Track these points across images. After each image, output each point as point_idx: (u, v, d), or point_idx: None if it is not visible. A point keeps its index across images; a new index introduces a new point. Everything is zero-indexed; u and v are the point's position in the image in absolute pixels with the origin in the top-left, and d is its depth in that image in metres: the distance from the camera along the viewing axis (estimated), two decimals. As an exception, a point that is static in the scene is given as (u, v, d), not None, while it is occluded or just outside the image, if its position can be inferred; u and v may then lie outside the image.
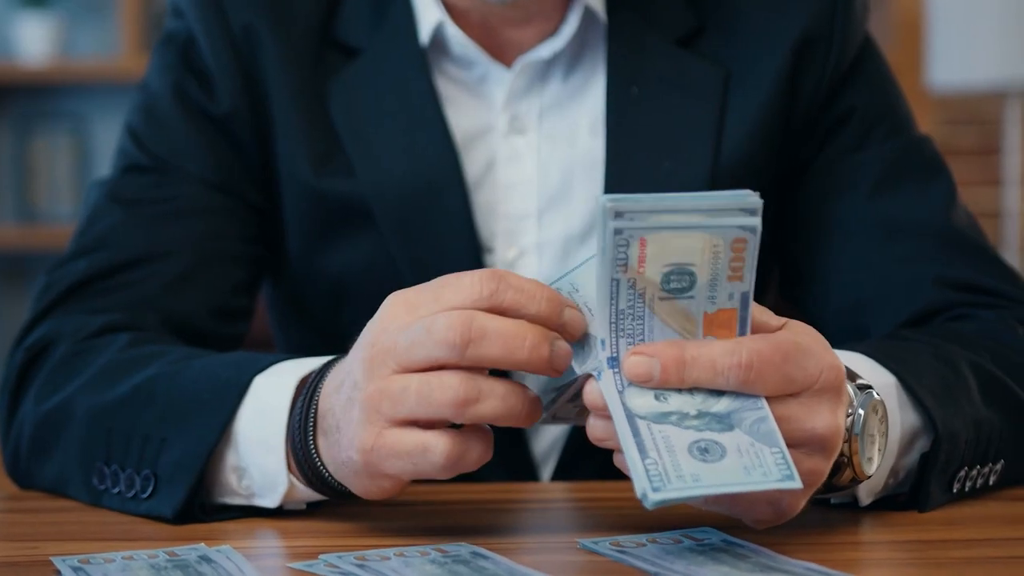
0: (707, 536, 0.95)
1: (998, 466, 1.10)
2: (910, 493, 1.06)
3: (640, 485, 0.86)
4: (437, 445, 0.92)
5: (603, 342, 0.90)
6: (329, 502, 1.04)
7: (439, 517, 1.04)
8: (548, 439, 1.33)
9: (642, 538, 0.95)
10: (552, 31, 1.31)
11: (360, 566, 0.90)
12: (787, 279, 1.37)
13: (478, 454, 0.93)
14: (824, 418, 0.91)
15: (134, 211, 1.30)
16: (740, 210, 0.88)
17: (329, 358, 1.03)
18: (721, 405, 0.89)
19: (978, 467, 1.08)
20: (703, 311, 0.90)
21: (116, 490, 1.07)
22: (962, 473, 1.06)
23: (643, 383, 0.89)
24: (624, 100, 1.30)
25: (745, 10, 1.32)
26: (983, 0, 3.71)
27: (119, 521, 1.05)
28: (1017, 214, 3.93)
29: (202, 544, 0.95)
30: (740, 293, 0.90)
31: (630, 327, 0.89)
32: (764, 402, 0.89)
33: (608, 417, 0.89)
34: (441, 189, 1.29)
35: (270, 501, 1.04)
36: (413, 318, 0.92)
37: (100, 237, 1.29)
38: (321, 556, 0.92)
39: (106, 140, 4.18)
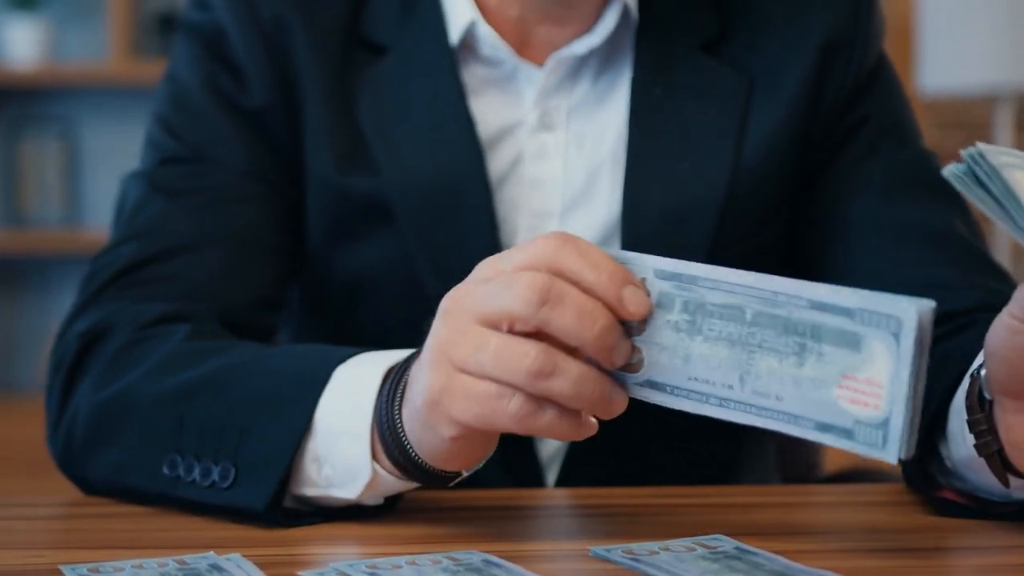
0: (720, 544, 0.95)
1: None
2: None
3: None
4: (514, 394, 0.92)
5: None
6: (344, 509, 1.03)
7: (449, 524, 1.03)
8: (554, 443, 1.33)
9: (655, 546, 0.95)
10: (584, 31, 1.32)
11: (371, 574, 0.89)
12: (798, 276, 1.36)
13: (551, 418, 0.92)
14: None
15: (176, 200, 1.29)
16: None
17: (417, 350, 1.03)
18: None
19: None
20: None
21: (190, 479, 1.06)
22: None
23: None
24: (648, 101, 1.31)
25: (768, 17, 1.33)
26: (974, 4, 3.72)
27: (127, 529, 1.05)
28: (1007, 218, 3.94)
29: (211, 552, 0.95)
30: None
31: None
32: None
33: None
34: (465, 188, 1.29)
35: (349, 492, 1.03)
36: (494, 274, 0.94)
37: (144, 225, 1.28)
38: (332, 564, 0.91)
39: (95, 144, 4.17)
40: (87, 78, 4.05)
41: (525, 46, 1.32)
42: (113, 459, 1.12)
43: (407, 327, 1.31)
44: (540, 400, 0.92)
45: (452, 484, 1.03)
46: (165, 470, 1.08)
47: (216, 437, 1.06)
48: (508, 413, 0.92)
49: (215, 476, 1.05)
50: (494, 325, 0.93)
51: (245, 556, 0.93)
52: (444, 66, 1.31)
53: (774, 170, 1.31)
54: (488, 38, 1.31)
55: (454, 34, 1.31)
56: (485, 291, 0.94)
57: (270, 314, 1.31)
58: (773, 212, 1.34)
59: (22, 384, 4.24)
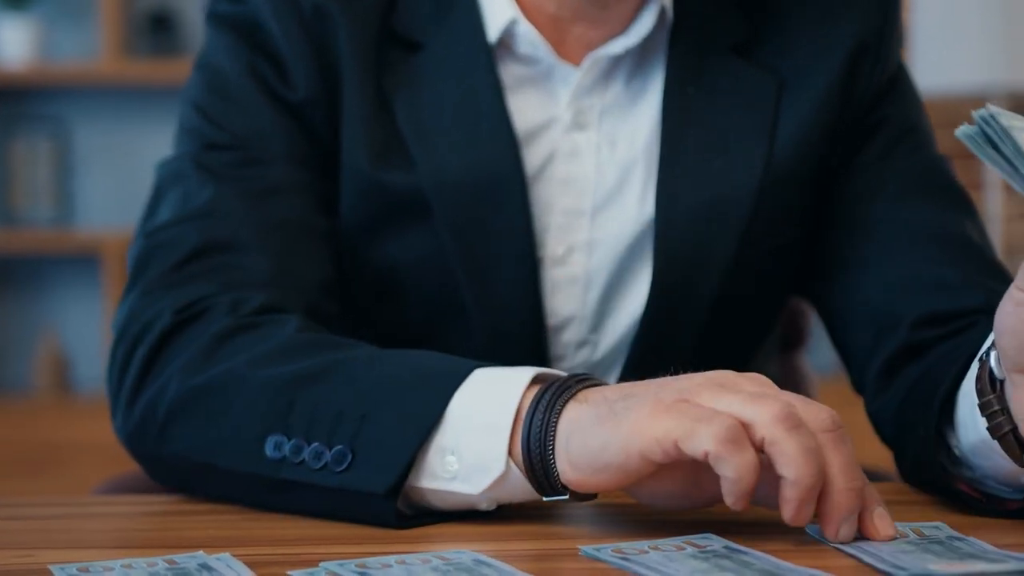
0: (710, 542, 0.95)
1: None
2: None
3: None
4: (729, 420, 0.92)
5: None
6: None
7: (439, 523, 1.03)
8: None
9: (644, 545, 0.95)
10: (620, 31, 1.32)
11: (361, 574, 0.89)
12: (812, 271, 1.38)
13: (752, 459, 0.92)
14: None
15: (229, 185, 1.27)
16: None
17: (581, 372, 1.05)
18: None
19: None
20: None
21: (298, 460, 1.05)
22: None
23: None
24: (681, 101, 1.32)
25: (798, 21, 1.35)
26: (966, 5, 3.72)
27: (117, 528, 1.05)
28: (999, 218, 3.94)
29: (201, 552, 0.95)
30: None
31: None
32: None
33: None
34: (501, 184, 1.29)
35: (472, 486, 1.02)
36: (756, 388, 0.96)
37: (204, 208, 1.26)
38: (322, 564, 0.91)
39: (86, 144, 4.17)
40: (79, 78, 4.05)
41: (561, 45, 1.32)
42: (205, 438, 1.10)
43: (437, 322, 1.32)
44: (746, 445, 0.92)
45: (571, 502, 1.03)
46: (268, 451, 1.07)
47: (332, 422, 1.05)
48: (718, 429, 0.91)
49: (328, 459, 1.04)
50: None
51: (235, 555, 0.93)
52: (481, 63, 1.31)
53: (804, 170, 1.33)
54: (528, 36, 1.31)
55: (492, 32, 1.31)
56: (739, 400, 0.94)
57: (335, 301, 1.29)
58: (800, 212, 1.35)
59: (13, 384, 4.23)
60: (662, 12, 1.32)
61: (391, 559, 0.92)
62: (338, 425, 1.05)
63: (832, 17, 1.35)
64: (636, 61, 1.34)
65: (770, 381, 0.98)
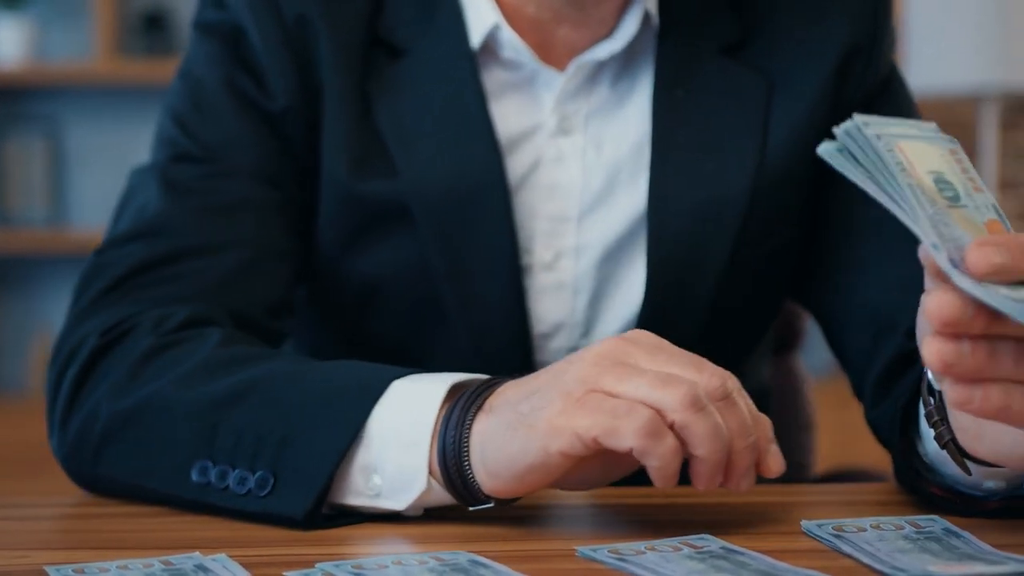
0: (707, 543, 0.95)
1: None
2: None
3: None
4: (645, 410, 0.94)
5: (935, 246, 0.85)
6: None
7: (435, 524, 1.03)
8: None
9: (641, 546, 0.95)
10: (603, 34, 1.32)
11: (357, 574, 0.89)
12: (808, 273, 1.37)
13: (673, 446, 0.94)
14: None
15: (188, 200, 1.27)
16: (941, 135, 0.91)
17: (484, 377, 1.04)
18: None
19: None
20: (982, 220, 0.88)
21: (223, 486, 1.06)
22: None
23: (993, 274, 0.84)
24: (670, 101, 1.32)
25: (788, 22, 1.34)
26: (959, 5, 3.72)
27: (112, 529, 1.05)
28: (992, 218, 3.94)
29: (197, 553, 0.94)
30: (991, 204, 0.89)
31: (946, 233, 0.86)
32: None
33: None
34: (484, 191, 1.29)
35: (397, 503, 1.03)
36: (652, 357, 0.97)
37: (155, 223, 1.26)
38: (318, 564, 0.91)
39: (80, 144, 4.16)
40: (72, 77, 4.05)
41: (545, 49, 1.32)
42: (134, 464, 1.11)
43: (422, 331, 1.32)
44: (669, 428, 0.94)
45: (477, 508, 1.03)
46: (194, 476, 1.07)
47: (254, 446, 1.05)
48: (636, 424, 0.93)
49: (251, 485, 1.05)
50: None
51: (231, 556, 0.93)
52: (464, 69, 1.30)
53: (797, 171, 1.32)
54: (511, 41, 1.30)
55: (475, 37, 1.30)
56: (634, 382, 0.95)
57: (283, 318, 1.30)
58: (795, 212, 1.35)
59: (7, 384, 4.23)
60: (646, 15, 1.32)
61: (387, 559, 0.92)
62: (260, 449, 1.05)
63: (823, 18, 1.34)
64: (622, 63, 1.34)
65: (659, 341, 0.99)
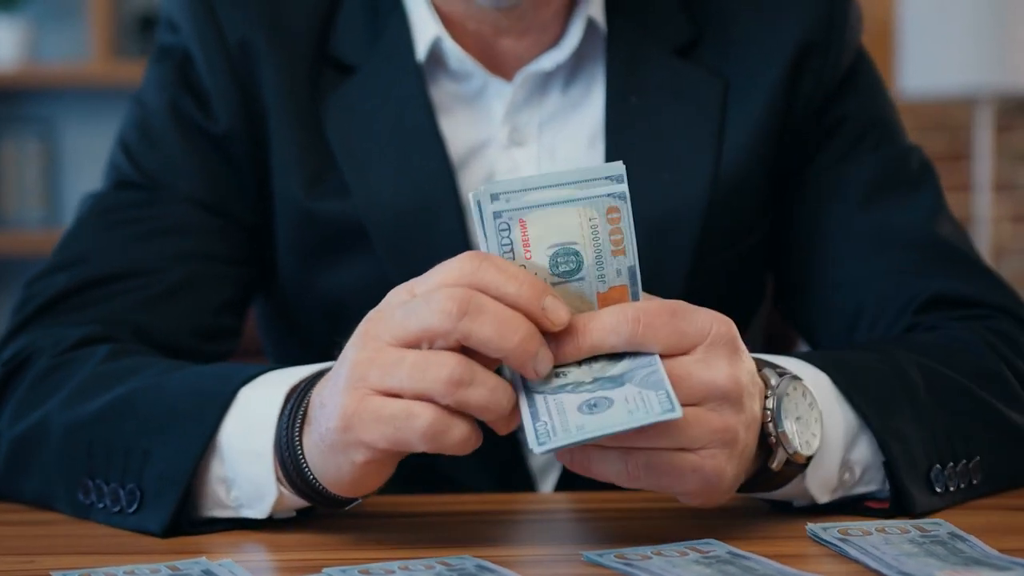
0: (712, 548, 0.95)
1: (972, 463, 1.09)
2: (893, 499, 1.05)
3: (531, 443, 0.89)
4: (423, 412, 0.92)
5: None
6: (330, 514, 1.03)
7: (441, 529, 1.03)
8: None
9: (647, 550, 0.95)
10: (549, 42, 1.31)
11: (364, 580, 0.90)
12: (782, 289, 1.38)
13: (461, 435, 0.92)
14: (722, 369, 0.93)
15: (119, 227, 1.29)
16: (606, 178, 0.92)
17: (321, 365, 1.02)
18: (616, 369, 0.92)
19: (951, 464, 1.08)
20: (596, 291, 0.93)
21: (102, 504, 1.06)
22: (935, 471, 1.07)
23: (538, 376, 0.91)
24: (623, 111, 1.30)
25: (741, 20, 1.33)
26: (953, 6, 3.73)
27: (118, 534, 1.05)
28: (987, 220, 3.95)
29: (204, 558, 0.95)
30: (627, 268, 0.93)
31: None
32: (657, 359, 0.91)
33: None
34: (437, 208, 1.28)
35: (258, 512, 1.03)
36: (409, 296, 0.95)
37: (81, 252, 1.28)
38: (324, 569, 0.91)
39: (75, 146, 4.16)
40: (67, 79, 4.04)
41: (492, 60, 1.31)
42: (36, 488, 1.12)
43: None
44: (452, 416, 0.92)
45: (349, 507, 1.03)
46: (80, 498, 1.08)
47: (123, 460, 1.06)
48: (418, 431, 0.92)
49: (123, 501, 1.05)
50: (413, 344, 0.93)
51: (237, 562, 0.93)
52: (412, 84, 1.29)
53: (754, 175, 1.31)
54: (454, 52, 1.29)
55: (421, 50, 1.30)
56: (403, 311, 0.93)
57: (217, 342, 1.30)
58: (755, 217, 1.34)
59: (2, 386, 4.22)
60: (591, 22, 1.30)
61: (394, 565, 0.92)
62: (128, 463, 1.06)
63: (777, 16, 1.32)
64: (571, 70, 1.32)
65: (394, 294, 0.96)
